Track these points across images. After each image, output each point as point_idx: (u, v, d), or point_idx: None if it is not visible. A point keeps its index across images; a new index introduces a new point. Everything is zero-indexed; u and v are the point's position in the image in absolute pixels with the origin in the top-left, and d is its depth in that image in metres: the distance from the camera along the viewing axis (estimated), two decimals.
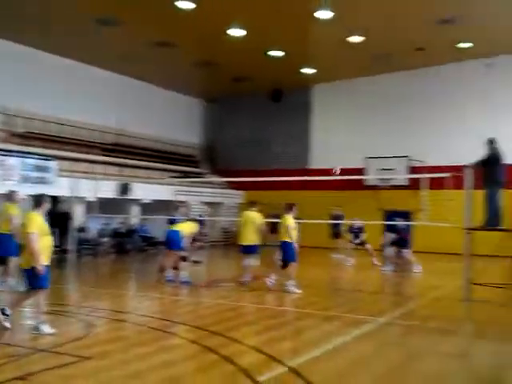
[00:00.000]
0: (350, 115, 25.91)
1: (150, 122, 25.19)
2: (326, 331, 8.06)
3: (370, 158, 23.08)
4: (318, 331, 8.07)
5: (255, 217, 12.10)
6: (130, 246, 21.32)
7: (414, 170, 22.20)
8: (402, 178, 21.96)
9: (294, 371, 5.82)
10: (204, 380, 5.56)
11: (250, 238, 11.94)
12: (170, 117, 26.65)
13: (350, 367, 6.22)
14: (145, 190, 21.26)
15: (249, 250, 12.01)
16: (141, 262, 19.02)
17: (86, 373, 5.71)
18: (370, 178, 22.75)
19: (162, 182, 22.79)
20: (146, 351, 6.63)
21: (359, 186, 22.82)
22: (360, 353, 6.89)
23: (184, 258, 12.81)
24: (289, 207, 11.81)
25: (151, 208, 21.73)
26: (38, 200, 7.55)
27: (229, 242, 26.38)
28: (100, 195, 16.78)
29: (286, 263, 11.34)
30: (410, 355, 6.85)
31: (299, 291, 10.99)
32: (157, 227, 21.61)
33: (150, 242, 22.04)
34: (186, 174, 25.60)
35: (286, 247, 11.31)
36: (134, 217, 21.76)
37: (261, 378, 5.51)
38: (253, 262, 12.08)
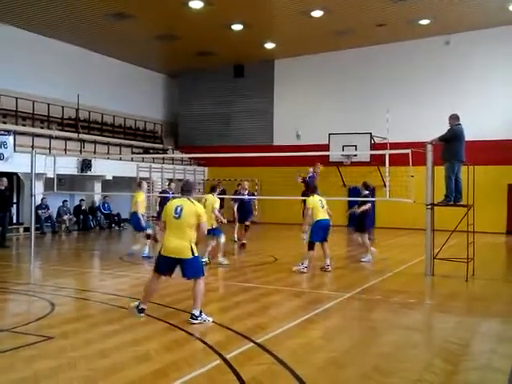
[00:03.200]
0: (313, 91, 25.91)
1: (111, 97, 24.64)
2: (291, 307, 8.13)
3: (334, 134, 23.16)
4: (284, 307, 8.13)
5: (212, 201, 11.79)
6: (93, 224, 20.98)
7: (376, 146, 22.40)
8: (365, 154, 22.12)
9: (262, 347, 5.84)
10: (172, 357, 5.52)
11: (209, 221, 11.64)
12: (133, 91, 26.10)
13: (315, 342, 6.28)
14: (107, 167, 20.86)
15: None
16: (104, 239, 18.75)
17: (49, 353, 5.59)
18: (334, 153, 22.85)
19: (124, 158, 22.39)
20: (110, 329, 6.54)
21: (323, 162, 22.92)
22: (325, 328, 6.97)
23: (148, 236, 12.77)
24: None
25: (113, 185, 21.39)
26: None
27: None
28: (60, 172, 16.34)
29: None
30: (374, 329, 6.96)
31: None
32: (119, 204, 21.31)
33: (113, 219, 21.73)
34: (148, 150, 25.24)
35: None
36: (96, 194, 21.37)
37: (229, 355, 5.50)
38: (217, 241, 11.94)
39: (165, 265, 6.95)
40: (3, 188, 15.48)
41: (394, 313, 7.85)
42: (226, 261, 11.98)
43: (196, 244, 6.91)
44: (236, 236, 15.93)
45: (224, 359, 5.40)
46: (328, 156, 23.03)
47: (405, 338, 6.50)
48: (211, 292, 8.91)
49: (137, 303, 7.19)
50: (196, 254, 6.85)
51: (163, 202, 14.25)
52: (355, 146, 22.60)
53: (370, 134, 22.75)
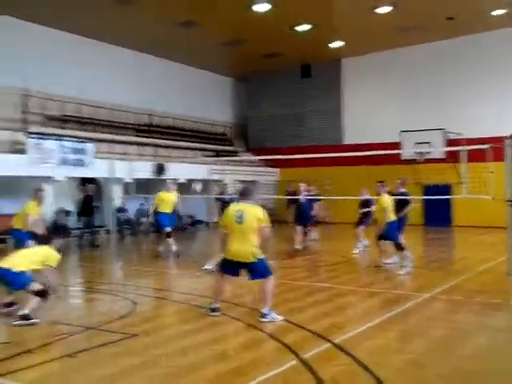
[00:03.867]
0: (383, 88, 25.41)
1: (182, 102, 25.22)
2: (368, 307, 8.01)
3: (405, 131, 22.61)
4: (360, 307, 8.03)
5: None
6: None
7: (451, 142, 21.66)
8: (439, 151, 21.45)
9: (339, 347, 5.79)
10: (249, 356, 5.58)
11: None
12: (202, 96, 26.60)
13: (393, 343, 6.16)
14: (180, 170, 21.38)
15: None
16: (179, 240, 19.19)
17: (133, 350, 5.80)
18: (406, 151, 22.29)
19: (196, 161, 22.87)
20: (189, 328, 6.70)
21: (395, 160, 22.42)
22: (403, 329, 6.81)
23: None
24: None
25: (187, 187, 21.85)
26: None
27: None
28: (136, 176, 16.93)
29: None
30: (455, 330, 6.73)
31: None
32: (193, 206, 21.76)
33: (188, 220, 22.22)
34: (219, 153, 25.64)
35: None
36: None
37: (305, 355, 5.50)
38: None
39: (229, 267, 7.14)
40: (91, 193, 16.33)
41: (477, 314, 7.57)
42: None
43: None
44: (296, 241, 14.38)
45: (301, 359, 5.40)
46: (400, 154, 22.53)
47: (489, 340, 6.26)
48: (286, 292, 8.94)
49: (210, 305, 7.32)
50: (259, 257, 6.98)
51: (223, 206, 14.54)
52: (428, 142, 21.98)
53: (444, 129, 22.05)
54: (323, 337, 6.17)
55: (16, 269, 6.84)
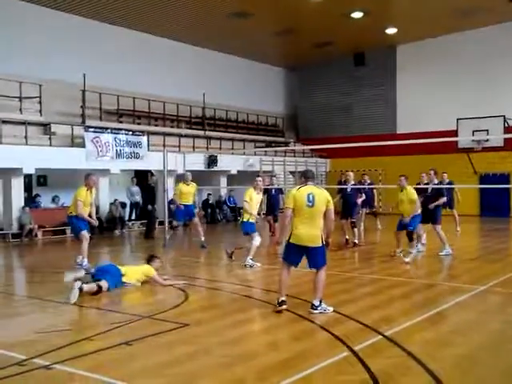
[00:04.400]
0: (439, 75, 24.76)
1: (234, 94, 25.41)
2: (420, 300, 7.89)
3: (463, 119, 21.98)
4: (412, 300, 7.91)
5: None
6: (220, 217, 21.82)
7: (510, 129, 20.91)
8: (498, 138, 20.74)
9: (390, 340, 5.75)
10: (300, 347, 5.62)
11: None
12: (254, 87, 26.71)
13: (447, 336, 6.04)
14: (231, 162, 21.59)
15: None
16: (230, 231, 19.43)
17: (185, 339, 5.93)
18: (463, 139, 21.67)
19: (247, 152, 22.99)
20: (240, 318, 6.80)
21: (452, 148, 21.83)
22: (457, 322, 6.69)
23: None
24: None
25: (238, 179, 22.05)
26: None
27: None
28: (189, 168, 17.20)
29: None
30: (511, 325, 6.55)
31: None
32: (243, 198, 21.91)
33: (239, 212, 22.41)
34: (270, 144, 25.69)
35: None
36: (222, 188, 22.20)
37: (357, 347, 5.49)
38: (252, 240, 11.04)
39: (294, 253, 6.98)
40: (153, 184, 16.70)
41: None
42: (256, 263, 10.77)
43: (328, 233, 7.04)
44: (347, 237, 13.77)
45: (352, 351, 5.39)
46: (456, 142, 21.95)
47: None
48: (337, 284, 8.92)
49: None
50: (322, 243, 6.89)
51: (270, 198, 14.55)
52: (487, 130, 21.30)
53: (504, 116, 21.29)
54: (374, 329, 6.13)
55: (125, 279, 8.52)
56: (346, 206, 13.74)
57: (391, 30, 23.50)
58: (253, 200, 11.11)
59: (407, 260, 10.61)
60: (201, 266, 11.34)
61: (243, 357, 5.36)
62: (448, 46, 24.12)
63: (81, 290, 7.59)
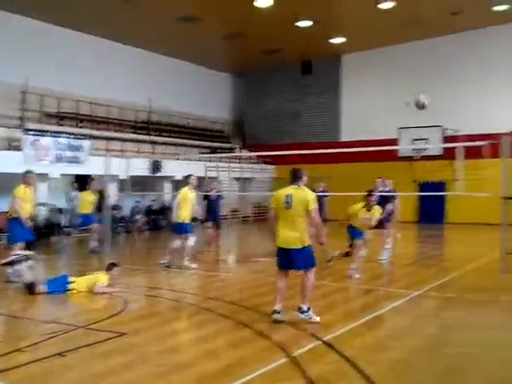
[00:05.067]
0: (381, 84, 25.41)
1: (180, 99, 25.22)
2: (359, 305, 8.03)
3: (403, 128, 22.62)
4: (351, 305, 8.04)
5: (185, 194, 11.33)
6: (164, 223, 21.54)
7: (448, 139, 21.68)
8: (437, 147, 21.45)
9: (329, 345, 5.81)
10: (239, 354, 5.59)
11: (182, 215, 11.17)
12: (200, 92, 26.61)
13: (383, 340, 6.17)
14: (176, 167, 21.39)
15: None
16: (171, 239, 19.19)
17: (122, 348, 5.79)
18: (403, 148, 22.31)
19: (192, 158, 22.86)
20: (180, 327, 6.73)
21: (393, 157, 22.42)
22: (394, 327, 6.84)
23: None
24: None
25: (183, 185, 21.85)
26: None
27: (260, 217, 26.42)
28: (132, 173, 16.91)
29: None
30: (446, 328, 6.76)
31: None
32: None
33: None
34: (216, 150, 25.64)
35: None
36: (167, 194, 21.95)
37: (295, 353, 5.51)
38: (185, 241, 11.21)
39: (283, 257, 6.83)
40: (100, 190, 16.14)
41: (468, 311, 7.59)
42: (193, 265, 10.99)
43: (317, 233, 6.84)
44: None
45: (290, 357, 5.41)
46: (397, 151, 22.55)
47: (480, 337, 6.28)
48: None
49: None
50: (307, 244, 6.70)
51: (210, 203, 14.35)
52: (426, 139, 21.99)
53: (442, 126, 22.06)
54: (313, 335, 6.18)
55: (74, 286, 8.53)
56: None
57: (337, 40, 23.96)
58: (188, 199, 11.15)
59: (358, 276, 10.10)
60: (141, 274, 11.14)
61: (181, 365, 5.28)
62: (391, 56, 24.80)
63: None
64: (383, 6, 19.42)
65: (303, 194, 6.70)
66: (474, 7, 19.78)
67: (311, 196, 6.71)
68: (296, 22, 21.14)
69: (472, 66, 22.79)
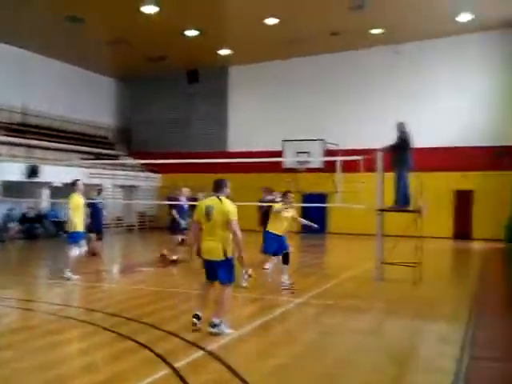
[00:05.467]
0: (267, 97, 26.07)
1: (61, 102, 24.10)
2: (243, 314, 8.10)
3: (287, 140, 23.34)
4: (235, 314, 8.07)
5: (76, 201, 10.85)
6: (41, 232, 20.39)
7: (328, 153, 22.70)
8: (317, 160, 22.35)
9: (212, 355, 5.78)
10: (119, 367, 5.40)
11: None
12: (84, 96, 25.59)
13: (266, 348, 6.26)
14: (55, 173, 20.32)
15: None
16: (51, 247, 18.25)
17: None
18: (288, 160, 23.00)
19: (73, 164, 21.88)
20: (57, 340, 6.35)
21: (278, 168, 23.04)
22: (276, 334, 6.98)
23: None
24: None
25: (63, 192, 20.84)
26: None
27: (145, 227, 25.95)
28: (5, 178, 15.84)
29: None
30: (325, 334, 7.01)
31: None
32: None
33: (62, 227, 21.15)
34: (99, 156, 24.78)
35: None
36: (44, 201, 20.79)
37: (177, 364, 5.42)
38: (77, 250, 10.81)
39: (207, 268, 6.77)
40: None
41: (345, 317, 7.93)
42: (73, 276, 10.54)
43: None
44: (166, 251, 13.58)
45: (173, 368, 5.32)
46: (282, 163, 23.21)
47: (355, 343, 6.58)
48: (161, 300, 8.81)
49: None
50: (229, 256, 6.59)
51: (94, 211, 13.86)
52: (308, 152, 22.83)
53: (323, 140, 23.04)
54: (197, 345, 6.12)
55: None
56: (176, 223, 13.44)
57: (224, 51, 24.24)
58: (80, 206, 10.78)
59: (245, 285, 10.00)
60: (14, 285, 10.41)
61: (55, 381, 4.99)
62: (277, 70, 25.54)
63: None
64: (268, 21, 19.99)
65: (223, 206, 6.59)
66: (352, 29, 21.00)
67: (231, 207, 6.60)
68: (183, 31, 21.08)
69: (351, 84, 24.12)
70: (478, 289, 10.38)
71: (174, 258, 13.13)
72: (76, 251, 10.68)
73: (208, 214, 6.61)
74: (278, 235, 10.29)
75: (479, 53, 22.19)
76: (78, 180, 11.29)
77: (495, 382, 5.13)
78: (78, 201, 10.78)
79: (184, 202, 13.63)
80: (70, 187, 11.19)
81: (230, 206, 6.59)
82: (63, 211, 20.86)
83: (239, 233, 6.51)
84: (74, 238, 10.69)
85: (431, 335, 7.09)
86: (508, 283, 10.99)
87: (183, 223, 13.34)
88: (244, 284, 9.85)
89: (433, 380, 5.29)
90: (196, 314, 6.74)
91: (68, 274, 10.48)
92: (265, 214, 11.51)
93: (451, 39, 22.27)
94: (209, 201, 6.75)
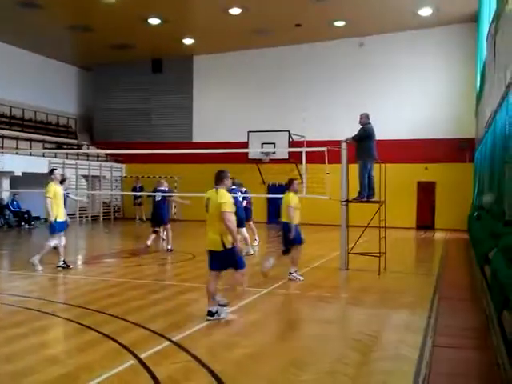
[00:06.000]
0: (232, 88, 25.97)
1: (21, 89, 23.50)
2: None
3: (253, 131, 23.33)
4: (201, 304, 8.05)
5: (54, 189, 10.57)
6: (1, 222, 19.92)
7: (294, 144, 22.79)
8: (283, 151, 22.42)
9: (178, 345, 5.76)
10: (84, 359, 5.32)
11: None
12: (44, 84, 25.01)
13: (232, 338, 6.27)
14: (16, 162, 19.86)
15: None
16: (12, 238, 17.85)
17: None
18: (253, 151, 23.00)
19: (34, 153, 21.41)
20: (18, 333, 6.22)
21: (243, 159, 23.02)
22: (242, 324, 6.98)
23: None
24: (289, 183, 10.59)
25: (23, 181, 20.38)
26: None
27: (109, 217, 25.63)
28: None
29: (288, 246, 10.00)
30: (291, 323, 7.08)
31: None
32: (30, 201, 20.35)
33: (23, 217, 20.71)
34: (61, 145, 24.29)
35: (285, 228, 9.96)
36: (5, 191, 20.28)
37: (143, 354, 5.38)
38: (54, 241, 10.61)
39: (210, 259, 6.92)
40: None
41: (311, 307, 8.00)
42: (39, 266, 10.44)
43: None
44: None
45: (138, 359, 5.28)
46: (247, 153, 23.19)
47: (320, 331, 6.65)
48: (128, 290, 8.72)
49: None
50: (228, 247, 6.70)
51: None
52: (274, 143, 22.87)
53: (288, 132, 23.11)
54: (162, 335, 6.09)
55: None
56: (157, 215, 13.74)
57: (188, 41, 24.00)
58: (59, 195, 10.58)
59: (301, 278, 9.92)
60: None
61: (17, 374, 4.89)
62: (244, 61, 25.45)
63: None
64: (232, 11, 19.88)
65: (217, 198, 6.72)
66: (316, 21, 21.08)
67: (224, 199, 6.69)
68: (145, 18, 20.76)
69: (315, 75, 24.21)
70: (441, 277, 10.61)
71: (170, 247, 13.71)
72: (54, 241, 10.49)
73: (206, 206, 6.81)
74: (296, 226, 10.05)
75: (440, 46, 22.56)
76: (54, 169, 11.16)
77: (458, 370, 5.25)
78: (56, 189, 10.53)
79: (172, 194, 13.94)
80: (47, 176, 10.98)
81: (223, 198, 6.70)
82: (26, 202, 20.53)
83: (230, 224, 6.61)
84: (54, 227, 10.50)
85: (394, 323, 7.21)
86: (469, 272, 11.28)
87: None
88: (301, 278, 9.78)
89: (396, 367, 5.38)
90: (209, 311, 6.87)
91: (36, 261, 10.35)
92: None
93: (412, 33, 22.60)
94: (208, 193, 6.92)
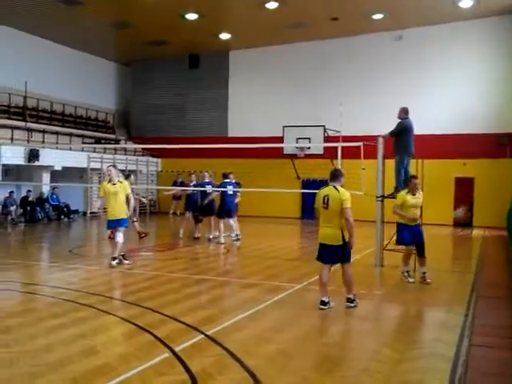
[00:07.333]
0: (268, 83, 25.91)
1: (62, 85, 23.95)
2: (243, 299, 8.12)
3: (288, 126, 23.24)
4: (235, 299, 8.12)
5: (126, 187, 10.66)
6: (41, 216, 20.41)
7: (329, 139, 22.60)
8: (318, 146, 22.26)
9: (212, 339, 5.81)
10: (120, 351, 5.43)
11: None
12: (84, 80, 25.44)
13: (265, 333, 6.28)
14: (56, 157, 20.31)
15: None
16: (52, 231, 18.29)
17: None
18: (288, 146, 22.92)
19: (74, 148, 21.86)
20: (57, 323, 6.38)
21: (278, 154, 22.97)
22: (275, 319, 6.99)
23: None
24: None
25: (63, 175, 20.85)
26: None
27: (142, 211, 25.97)
28: (6, 161, 15.82)
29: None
30: (324, 319, 7.04)
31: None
32: (69, 195, 20.80)
33: (62, 210, 21.18)
34: (100, 140, 24.71)
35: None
36: (44, 184, 20.78)
37: (178, 347, 5.45)
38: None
39: (323, 252, 7.39)
40: None
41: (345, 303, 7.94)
42: (125, 261, 10.64)
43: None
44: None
45: (173, 352, 5.35)
46: (282, 148, 23.13)
47: (354, 328, 6.61)
48: (164, 284, 8.84)
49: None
50: (346, 241, 7.19)
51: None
52: (309, 138, 22.73)
53: (324, 126, 22.93)
54: (196, 329, 6.16)
55: None
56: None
57: (225, 36, 24.06)
58: (111, 192, 10.37)
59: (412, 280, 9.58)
60: (15, 269, 10.44)
61: (55, 364, 5.01)
62: (279, 55, 25.35)
63: None
64: (269, 5, 19.81)
65: (338, 195, 7.14)
66: (353, 14, 20.82)
67: (345, 196, 7.14)
68: (182, 14, 20.90)
69: (353, 70, 23.94)
70: (478, 275, 10.39)
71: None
72: (119, 237, 10.40)
73: (325, 203, 7.18)
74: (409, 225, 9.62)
75: (480, 39, 22.00)
76: (113, 165, 10.98)
77: (494, 369, 5.15)
78: (106, 188, 10.42)
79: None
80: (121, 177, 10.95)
81: (345, 195, 7.16)
82: (64, 195, 20.98)
83: (351, 219, 7.12)
84: (111, 224, 10.56)
85: (430, 321, 7.12)
86: (508, 270, 11.01)
87: None
88: (411, 280, 9.51)
89: (432, 365, 5.31)
90: (322, 301, 7.27)
91: (113, 263, 10.29)
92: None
93: (452, 25, 22.09)
94: (326, 190, 7.30)
